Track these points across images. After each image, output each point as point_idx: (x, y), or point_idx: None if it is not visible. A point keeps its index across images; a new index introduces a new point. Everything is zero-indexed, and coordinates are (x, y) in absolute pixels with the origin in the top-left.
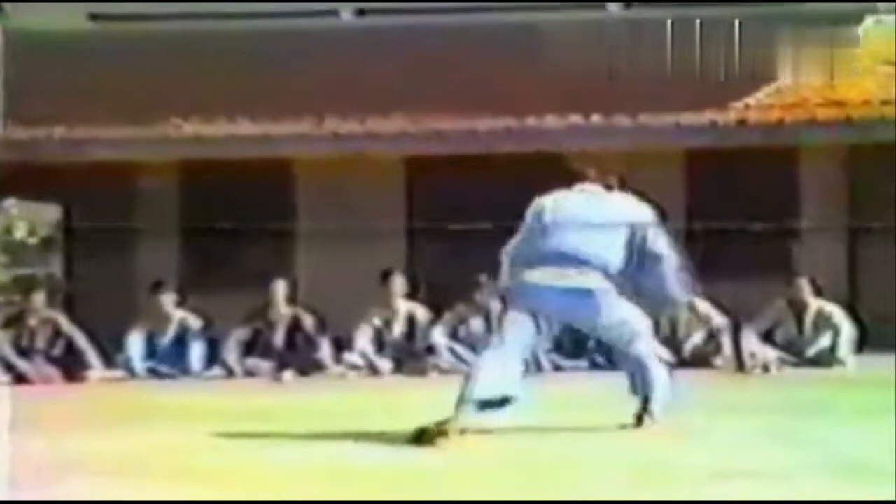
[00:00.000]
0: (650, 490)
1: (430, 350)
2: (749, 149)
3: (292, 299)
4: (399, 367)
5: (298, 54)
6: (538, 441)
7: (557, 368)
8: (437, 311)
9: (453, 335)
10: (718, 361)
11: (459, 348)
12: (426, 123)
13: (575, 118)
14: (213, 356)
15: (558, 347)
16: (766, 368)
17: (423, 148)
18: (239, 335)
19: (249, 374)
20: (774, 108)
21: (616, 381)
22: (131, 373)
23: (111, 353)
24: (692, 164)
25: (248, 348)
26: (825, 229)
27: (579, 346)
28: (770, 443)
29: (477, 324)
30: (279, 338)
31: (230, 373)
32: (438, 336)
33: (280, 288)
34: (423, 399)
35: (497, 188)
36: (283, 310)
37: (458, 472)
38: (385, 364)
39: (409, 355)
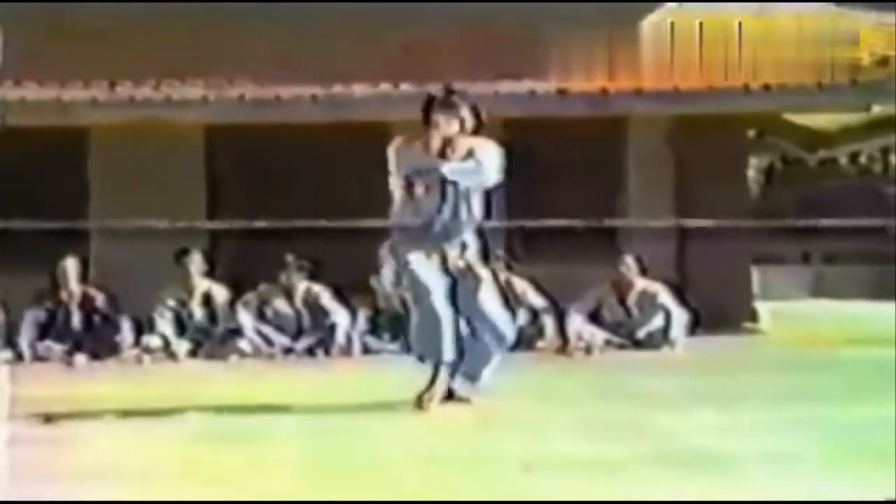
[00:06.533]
0: (454, 480)
1: (235, 332)
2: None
3: (84, 278)
4: (197, 351)
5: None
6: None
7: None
8: (237, 292)
9: (260, 316)
10: (541, 343)
11: (267, 329)
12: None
13: (385, 87)
14: (8, 339)
15: None
16: (588, 350)
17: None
18: (34, 316)
19: (40, 358)
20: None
21: None
22: None
23: None
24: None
25: (45, 330)
26: (653, 209)
27: None
28: (591, 431)
29: (282, 304)
30: (76, 319)
31: (20, 357)
32: (244, 317)
33: (71, 266)
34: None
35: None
36: (74, 288)
37: None
38: (183, 347)
39: (210, 338)
